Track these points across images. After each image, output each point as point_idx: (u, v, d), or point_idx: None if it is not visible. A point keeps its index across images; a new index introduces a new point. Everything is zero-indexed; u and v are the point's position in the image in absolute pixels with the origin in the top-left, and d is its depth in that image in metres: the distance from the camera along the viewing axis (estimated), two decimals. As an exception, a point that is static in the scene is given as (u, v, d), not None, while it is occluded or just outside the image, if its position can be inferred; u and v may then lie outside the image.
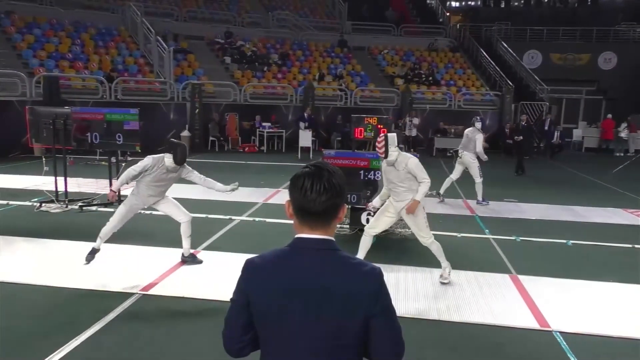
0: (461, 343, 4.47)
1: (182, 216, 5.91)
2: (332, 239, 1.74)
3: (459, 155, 9.89)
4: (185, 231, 5.94)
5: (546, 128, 19.65)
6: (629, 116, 21.43)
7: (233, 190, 5.93)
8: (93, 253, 5.70)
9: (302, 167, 1.77)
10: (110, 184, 8.87)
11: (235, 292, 1.77)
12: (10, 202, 8.90)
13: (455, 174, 10.01)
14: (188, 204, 9.28)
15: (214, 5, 24.81)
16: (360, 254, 5.82)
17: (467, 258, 6.68)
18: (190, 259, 6.11)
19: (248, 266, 1.77)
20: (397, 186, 5.58)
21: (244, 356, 1.80)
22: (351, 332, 1.67)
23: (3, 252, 6.38)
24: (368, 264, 1.74)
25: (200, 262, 6.11)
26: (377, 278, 1.70)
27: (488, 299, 5.35)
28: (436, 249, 5.69)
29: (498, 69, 23.30)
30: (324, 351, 1.67)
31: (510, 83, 21.86)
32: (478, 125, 9.92)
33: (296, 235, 1.75)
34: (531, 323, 4.82)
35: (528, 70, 23.84)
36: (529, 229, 8.28)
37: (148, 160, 5.63)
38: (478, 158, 9.86)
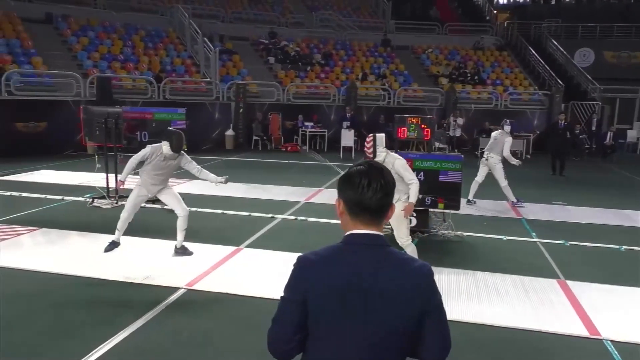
0: (504, 348, 4.37)
1: (181, 210, 6.17)
2: (382, 234, 1.75)
3: (485, 157, 9.63)
4: (180, 225, 6.18)
5: (593, 129, 18.89)
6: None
7: (222, 182, 6.19)
8: (113, 245, 6.02)
9: (353, 165, 1.80)
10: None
11: (290, 290, 1.75)
12: (65, 198, 9.32)
13: (480, 177, 9.75)
14: (231, 202, 9.53)
15: (259, 6, 25.18)
16: None
17: (512, 262, 6.52)
18: (181, 251, 6.30)
19: (304, 263, 1.74)
20: None
21: (289, 358, 1.76)
22: (405, 328, 1.67)
23: (57, 245, 6.69)
24: (418, 261, 1.76)
25: (190, 253, 6.29)
26: (430, 274, 1.72)
27: (534, 304, 5.20)
28: (411, 250, 5.71)
29: (547, 68, 22.58)
30: (378, 347, 1.66)
31: (560, 82, 21.14)
32: (507, 128, 9.66)
33: (349, 232, 1.75)
34: (580, 330, 4.65)
35: (579, 69, 22.99)
36: (579, 233, 7.99)
37: (147, 149, 5.99)
38: (505, 161, 9.60)
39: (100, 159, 9.69)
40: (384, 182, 1.71)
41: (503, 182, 9.54)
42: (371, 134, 5.73)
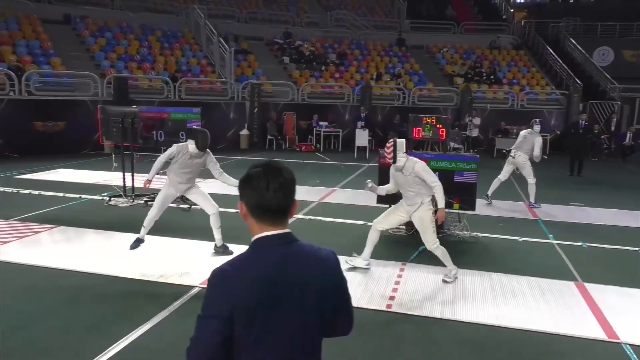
0: (520, 351, 4.31)
1: (210, 208, 6.22)
2: (290, 231, 1.80)
3: (512, 155, 9.57)
4: (214, 223, 6.23)
5: (612, 129, 18.59)
6: None
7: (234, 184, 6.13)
8: (138, 242, 6.09)
9: (252, 166, 1.80)
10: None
11: (213, 306, 1.69)
12: (83, 196, 9.45)
13: (503, 175, 9.70)
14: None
15: (273, 6, 25.24)
16: (368, 249, 5.94)
17: (529, 263, 6.45)
18: (221, 250, 6.33)
19: (223, 276, 1.72)
20: (407, 191, 5.65)
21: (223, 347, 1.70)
22: (323, 312, 1.79)
23: (75, 243, 6.79)
24: (324, 249, 1.85)
25: (231, 253, 6.28)
26: (337, 261, 1.87)
27: (551, 307, 5.14)
28: (441, 253, 5.65)
29: (565, 67, 22.27)
30: (304, 335, 1.77)
31: (579, 81, 20.84)
32: (537, 128, 9.64)
33: (257, 236, 1.77)
34: (598, 334, 4.58)
35: (598, 68, 22.64)
36: (597, 234, 7.87)
37: (173, 148, 6.07)
38: (530, 159, 9.55)
39: (117, 158, 9.81)
40: (284, 181, 1.74)
41: (532, 180, 9.49)
42: (391, 139, 5.67)
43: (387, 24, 26.39)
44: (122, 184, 9.34)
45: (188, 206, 8.72)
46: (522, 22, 27.40)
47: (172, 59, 18.84)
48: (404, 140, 5.69)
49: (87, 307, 4.87)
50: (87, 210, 8.55)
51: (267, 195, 1.72)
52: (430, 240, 5.62)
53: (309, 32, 23.77)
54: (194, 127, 6.26)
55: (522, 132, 9.83)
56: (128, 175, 9.24)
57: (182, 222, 7.81)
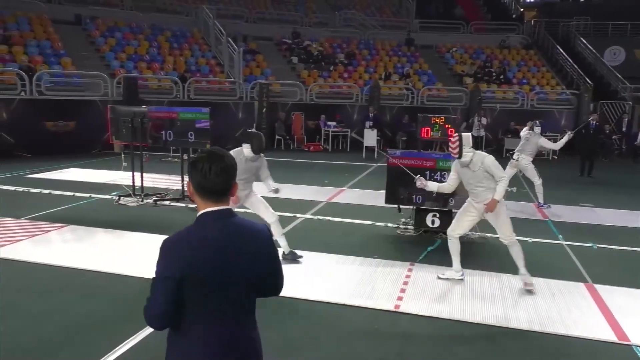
0: (529, 353, 4.29)
1: (269, 216, 5.98)
2: (230, 207, 2.08)
3: (515, 158, 9.47)
4: (276, 231, 5.96)
5: (623, 129, 18.41)
6: None
7: (273, 190, 6.07)
8: None
9: (199, 152, 2.09)
10: (182, 180, 9.27)
11: (165, 269, 1.97)
12: (93, 195, 9.52)
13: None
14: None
15: (282, 6, 25.26)
16: (455, 260, 5.73)
17: (539, 264, 6.39)
18: (290, 257, 6.13)
19: (172, 243, 2.00)
20: (474, 187, 5.43)
21: (166, 327, 2.05)
22: (259, 277, 2.07)
23: (85, 242, 6.84)
24: (254, 222, 2.13)
25: (300, 257, 6.17)
26: (267, 230, 2.15)
27: (561, 308, 5.10)
28: (517, 250, 5.48)
29: (576, 67, 22.09)
30: (245, 297, 2.05)
31: (589, 81, 20.66)
32: (537, 129, 9.62)
33: (201, 212, 2.04)
34: (608, 336, 4.54)
35: (609, 68, 22.42)
36: (607, 236, 7.80)
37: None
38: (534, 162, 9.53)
39: (126, 157, 9.87)
40: (225, 166, 2.00)
41: (537, 181, 9.44)
42: (456, 134, 5.46)
43: (396, 24, 26.32)
44: (131, 184, 9.39)
45: (197, 205, 8.75)
46: (532, 21, 27.21)
47: (181, 59, 18.92)
48: (469, 134, 5.50)
49: (97, 306, 4.90)
50: (97, 210, 8.61)
51: (210, 177, 1.98)
52: (509, 234, 5.43)
53: (317, 32, 23.77)
54: (248, 130, 6.08)
55: (523, 134, 9.73)
56: (137, 174, 9.29)
57: (190, 221, 7.83)
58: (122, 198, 9.20)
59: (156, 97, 16.39)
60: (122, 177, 10.35)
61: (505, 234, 5.45)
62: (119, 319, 4.63)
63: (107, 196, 9.51)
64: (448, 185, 5.71)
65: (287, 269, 5.96)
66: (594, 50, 23.33)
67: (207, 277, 1.95)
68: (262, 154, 5.91)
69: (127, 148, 10.25)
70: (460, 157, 5.36)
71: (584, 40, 23.96)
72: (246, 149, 5.76)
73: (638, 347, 4.32)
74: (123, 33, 19.14)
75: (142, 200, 9.08)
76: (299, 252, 6.36)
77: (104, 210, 8.55)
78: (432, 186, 5.77)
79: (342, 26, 24.77)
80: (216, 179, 1.99)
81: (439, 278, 5.74)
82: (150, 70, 17.91)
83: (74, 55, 16.76)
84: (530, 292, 5.41)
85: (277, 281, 2.20)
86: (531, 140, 9.49)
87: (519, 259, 5.49)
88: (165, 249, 2.00)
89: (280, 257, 6.08)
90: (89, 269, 5.76)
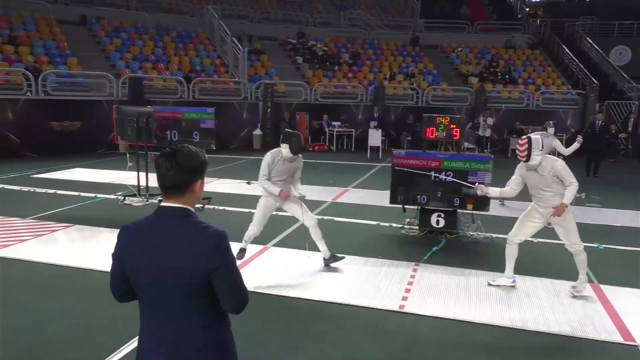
0: (534, 353, 4.27)
1: (308, 220, 5.85)
2: (187, 207, 2.09)
3: None
4: (315, 235, 5.87)
5: (630, 129, 18.30)
6: None
7: (297, 195, 5.91)
8: (242, 252, 5.98)
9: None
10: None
11: (115, 251, 2.13)
12: (98, 195, 9.56)
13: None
14: (257, 201, 9.57)
15: (287, 6, 25.28)
16: (509, 266, 5.56)
17: (544, 264, 6.38)
18: (332, 260, 6.02)
19: (123, 231, 2.13)
20: (542, 192, 5.23)
21: (127, 301, 2.20)
22: (196, 283, 2.00)
23: (90, 242, 6.86)
24: (213, 227, 2.06)
25: (341, 258, 6.08)
26: (218, 237, 2.03)
27: (566, 308, 5.08)
28: (582, 259, 5.30)
29: (581, 67, 22.00)
30: (175, 300, 2.02)
31: (595, 81, 20.56)
32: (551, 130, 9.52)
33: (161, 204, 2.11)
34: (614, 336, 4.52)
35: (615, 67, 22.30)
36: (613, 236, 7.76)
37: (267, 157, 5.71)
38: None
39: (131, 157, 9.90)
40: (175, 163, 2.04)
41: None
42: (525, 136, 5.25)
43: (401, 24, 26.29)
44: (136, 184, 9.42)
45: (202, 205, 8.77)
46: (538, 21, 27.11)
47: (186, 59, 18.97)
48: (539, 137, 5.28)
49: (102, 305, 4.91)
50: (102, 209, 8.64)
51: (161, 172, 2.06)
52: (576, 243, 5.27)
53: (322, 32, 23.77)
54: (287, 130, 5.98)
55: (537, 135, 9.70)
56: (142, 174, 9.32)
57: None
58: (127, 198, 9.23)
59: (161, 97, 16.46)
60: (127, 177, 10.38)
61: (573, 242, 5.27)
62: (124, 318, 4.63)
63: (113, 196, 9.54)
64: (510, 189, 5.51)
65: (287, 268, 5.94)
66: (599, 50, 23.22)
67: (141, 269, 2.04)
68: (300, 155, 5.78)
69: (132, 148, 10.29)
70: (528, 160, 5.15)
71: (589, 40, 23.86)
72: (284, 149, 5.64)
73: (644, 348, 4.30)
74: (128, 33, 19.21)
75: (147, 200, 9.11)
76: (300, 251, 6.36)
77: (109, 210, 8.58)
78: (494, 192, 5.57)
79: (347, 26, 24.77)
80: (167, 174, 2.04)
81: (489, 285, 5.58)
82: (155, 70, 17.98)
83: (79, 56, 16.85)
84: (575, 297, 5.27)
85: (227, 296, 2.05)
86: (545, 141, 9.45)
87: (582, 267, 5.32)
88: (119, 233, 2.15)
89: (323, 265, 5.85)
90: (94, 269, 5.77)
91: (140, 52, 18.51)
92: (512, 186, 5.49)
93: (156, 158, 2.09)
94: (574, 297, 5.30)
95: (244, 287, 2.10)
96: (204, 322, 2.07)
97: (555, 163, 5.14)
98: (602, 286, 5.66)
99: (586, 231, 8.02)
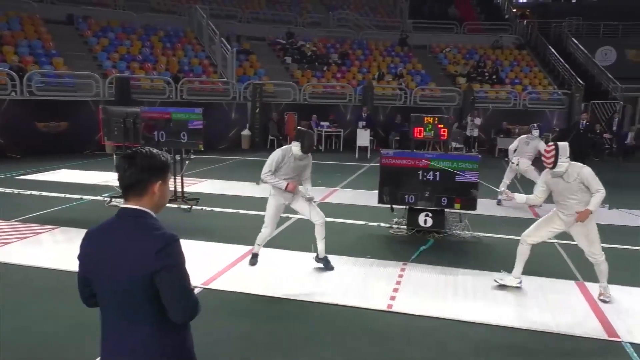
0: (521, 351, 4.31)
1: (316, 217, 5.82)
2: (144, 209, 2.07)
3: (515, 162, 9.48)
4: (319, 233, 5.84)
5: (614, 129, 18.55)
6: None
7: (307, 197, 5.84)
8: (255, 257, 5.94)
9: None
10: (175, 181, 9.23)
11: (79, 254, 2.14)
12: (84, 197, 9.47)
13: (507, 179, 9.69)
14: (247, 201, 9.58)
15: (276, 6, 25.26)
16: (519, 266, 5.52)
17: (531, 263, 6.39)
18: (323, 263, 5.99)
19: (87, 233, 2.15)
20: (567, 199, 5.15)
21: (94, 306, 2.18)
22: (142, 287, 1.97)
23: (76, 244, 6.73)
24: (164, 230, 2.03)
25: (332, 268, 5.97)
26: (165, 240, 1.99)
27: (552, 306, 5.13)
28: (604, 269, 5.22)
29: (567, 67, 22.23)
30: (125, 304, 2.01)
31: (581, 81, 20.79)
32: (535, 133, 9.63)
33: (121, 205, 2.12)
34: (599, 333, 4.58)
35: (600, 68, 22.58)
36: (599, 234, 7.82)
37: (277, 153, 5.63)
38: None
39: (118, 158, 9.81)
40: (133, 163, 2.05)
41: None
42: (552, 143, 5.15)
43: (390, 24, 26.38)
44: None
45: (189, 206, 8.73)
46: (525, 21, 27.36)
47: (174, 59, 18.86)
48: (566, 143, 5.14)
49: (90, 308, 4.87)
50: (89, 211, 8.57)
51: (120, 173, 2.08)
52: (598, 253, 5.17)
53: (311, 32, 23.78)
54: (299, 128, 5.89)
55: (522, 137, 9.77)
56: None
57: (182, 223, 7.82)
58: (114, 199, 9.15)
59: (149, 98, 16.33)
60: (114, 178, 10.27)
61: (594, 252, 5.19)
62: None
63: (99, 197, 9.46)
64: (536, 197, 5.46)
65: (276, 269, 5.93)
66: (585, 51, 23.50)
67: (96, 273, 2.06)
68: (309, 154, 5.73)
69: (119, 149, 10.21)
70: (554, 167, 5.05)
71: (575, 41, 24.14)
72: (295, 147, 5.56)
73: (628, 344, 4.35)
74: (116, 33, 19.06)
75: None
76: (288, 252, 6.36)
77: (95, 212, 8.51)
78: (520, 199, 5.49)
79: (336, 26, 24.79)
80: (124, 174, 2.05)
81: (495, 282, 5.56)
82: (142, 70, 17.85)
83: (65, 55, 16.67)
84: (604, 302, 5.24)
85: (172, 303, 1.99)
86: (531, 144, 9.55)
87: (603, 277, 5.28)
88: (84, 235, 2.16)
89: (314, 261, 5.83)
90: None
91: (128, 52, 18.37)
92: (538, 194, 5.42)
93: (118, 160, 2.12)
94: (604, 302, 5.23)
95: (191, 295, 2.04)
96: (160, 327, 2.02)
97: (583, 170, 5.06)
98: (587, 284, 5.73)
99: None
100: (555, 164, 5.03)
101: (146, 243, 1.98)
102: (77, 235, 7.07)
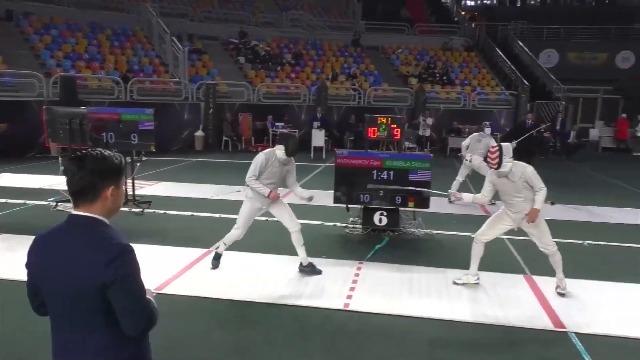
0: (474, 344, 4.43)
1: (292, 225, 5.77)
2: (96, 216, 1.96)
3: (468, 159, 9.77)
4: (297, 240, 5.79)
5: (557, 127, 19.41)
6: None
7: (308, 199, 5.87)
8: (217, 258, 5.83)
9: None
10: (125, 184, 8.95)
11: (26, 261, 2.05)
12: (27, 202, 9.04)
13: (461, 176, 9.96)
14: (202, 203, 9.41)
15: (229, 5, 24.96)
16: (474, 263, 5.64)
17: (482, 259, 6.61)
18: (309, 269, 5.90)
19: (33, 240, 2.05)
20: (513, 197, 5.33)
21: (44, 315, 2.07)
22: (93, 299, 1.88)
23: (19, 252, 6.44)
24: (116, 239, 1.92)
25: (319, 272, 5.89)
26: (117, 251, 1.88)
27: (502, 300, 5.30)
28: (558, 259, 5.42)
29: (514, 68, 23.08)
30: (76, 315, 1.92)
31: (526, 82, 21.63)
32: (488, 130, 9.96)
33: (70, 212, 2.00)
34: (546, 324, 4.76)
35: (544, 70, 23.57)
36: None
37: (260, 157, 5.53)
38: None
39: (64, 161, 9.42)
40: (82, 166, 1.92)
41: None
42: (496, 144, 5.34)
43: (343, 25, 26.58)
44: (70, 188, 8.97)
45: (141, 210, 8.49)
46: (473, 24, 28.21)
47: (123, 58, 18.31)
48: (509, 144, 5.35)
49: (36, 318, 4.65)
50: (33, 217, 8.18)
51: (68, 177, 1.95)
52: (550, 244, 5.37)
53: (264, 32, 23.64)
54: (282, 131, 5.77)
55: (474, 135, 10.05)
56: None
57: (134, 227, 7.59)
58: (60, 204, 8.77)
59: (97, 98, 15.77)
60: (60, 181, 9.86)
61: (547, 244, 5.39)
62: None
63: (44, 202, 9.05)
64: (482, 195, 5.61)
65: (232, 271, 5.86)
66: (530, 53, 24.47)
67: (45, 282, 1.97)
68: (292, 158, 5.67)
69: (65, 151, 9.80)
70: (499, 167, 5.23)
71: (521, 43, 25.09)
72: (279, 151, 5.51)
73: (573, 334, 4.55)
74: (60, 30, 18.31)
75: (83, 205, 8.70)
76: (245, 253, 6.30)
77: (40, 217, 8.12)
78: (467, 198, 5.66)
79: (289, 26, 24.75)
80: (73, 178, 1.94)
81: (454, 283, 5.67)
82: (89, 69, 17.23)
83: (5, 53, 15.87)
84: (561, 295, 5.41)
85: (123, 315, 1.90)
86: (483, 141, 9.83)
87: (557, 267, 5.45)
88: (32, 241, 2.06)
89: (298, 270, 5.75)
90: (24, 281, 5.45)
91: (73, 50, 17.68)
92: (485, 193, 5.59)
93: (66, 162, 2.00)
94: (562, 295, 5.40)
95: (144, 308, 1.94)
96: (115, 338, 1.94)
97: (526, 169, 5.25)
98: (534, 277, 5.96)
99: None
100: (499, 164, 5.21)
101: (96, 254, 1.87)
102: (19, 243, 6.74)
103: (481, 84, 22.88)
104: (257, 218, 6.18)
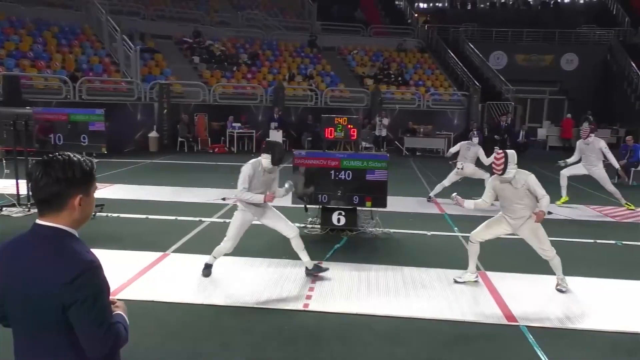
0: (430, 339, 4.52)
1: (289, 231, 5.70)
2: (62, 227, 1.80)
3: (460, 167, 9.91)
4: (297, 245, 5.75)
5: (502, 127, 20.12)
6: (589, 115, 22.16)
7: (288, 189, 5.85)
8: (208, 268, 5.69)
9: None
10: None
11: None
12: (-31, 207, 8.56)
13: (448, 182, 10.09)
14: (157, 206, 9.20)
15: (182, 4, 24.48)
16: (472, 262, 5.75)
17: (437, 256, 6.78)
18: (316, 270, 5.85)
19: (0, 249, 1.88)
20: (513, 204, 5.40)
21: (7, 326, 1.90)
22: (54, 317, 1.74)
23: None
24: (82, 254, 1.78)
25: (326, 269, 5.89)
26: (80, 268, 1.74)
27: (457, 296, 5.43)
28: (557, 263, 5.52)
29: (465, 70, 23.73)
30: (38, 331, 1.77)
31: (477, 83, 22.29)
32: (475, 140, 10.11)
33: (35, 221, 1.84)
34: (499, 318, 4.92)
35: (494, 71, 24.35)
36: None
37: (247, 168, 5.47)
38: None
39: (8, 163, 8.99)
40: (47, 172, 1.75)
41: (485, 175, 9.76)
42: (501, 150, 5.39)
43: (299, 25, 26.59)
44: (15, 192, 8.58)
45: (93, 213, 8.20)
46: (426, 26, 28.83)
47: (71, 57, 17.64)
48: (514, 151, 5.40)
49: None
50: (-25, 222, 7.76)
51: (31, 185, 1.79)
52: (549, 249, 5.45)
53: (219, 31, 23.33)
54: (268, 139, 5.63)
55: (463, 143, 10.17)
56: (22, 182, 8.50)
57: (86, 231, 7.31)
58: (5, 208, 8.38)
59: (43, 98, 15.14)
60: (4, 185, 9.42)
61: (546, 250, 5.48)
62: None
63: (-13, 207, 8.60)
64: (483, 201, 5.69)
65: (188, 275, 5.75)
66: (480, 55, 25.23)
67: (3, 296, 1.82)
68: (278, 166, 5.62)
69: (9, 153, 9.36)
70: (503, 173, 5.28)
71: (471, 45, 25.82)
72: (265, 160, 5.48)
73: (524, 327, 4.72)
74: (2, 27, 17.45)
75: (29, 210, 8.33)
76: (202, 256, 6.19)
77: (-17, 223, 7.73)
78: (469, 204, 5.73)
79: (245, 26, 24.53)
80: (37, 185, 1.77)
81: (455, 282, 5.74)
82: (35, 68, 16.50)
83: (-58, 51, 15.00)
84: (561, 291, 5.54)
85: (83, 334, 1.76)
86: (472, 149, 10.05)
87: (558, 270, 5.56)
88: None
89: (304, 275, 5.67)
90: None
91: (17, 48, 16.90)
92: (485, 199, 5.69)
93: (32, 168, 1.81)
94: (561, 292, 5.55)
95: (107, 332, 1.77)
96: (81, 357, 1.80)
97: (529, 177, 5.33)
98: (488, 273, 6.14)
99: (473, 223, 8.61)
100: (504, 170, 5.31)
101: (57, 271, 1.72)
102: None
103: (435, 84, 23.39)
104: (215, 220, 6.10)
